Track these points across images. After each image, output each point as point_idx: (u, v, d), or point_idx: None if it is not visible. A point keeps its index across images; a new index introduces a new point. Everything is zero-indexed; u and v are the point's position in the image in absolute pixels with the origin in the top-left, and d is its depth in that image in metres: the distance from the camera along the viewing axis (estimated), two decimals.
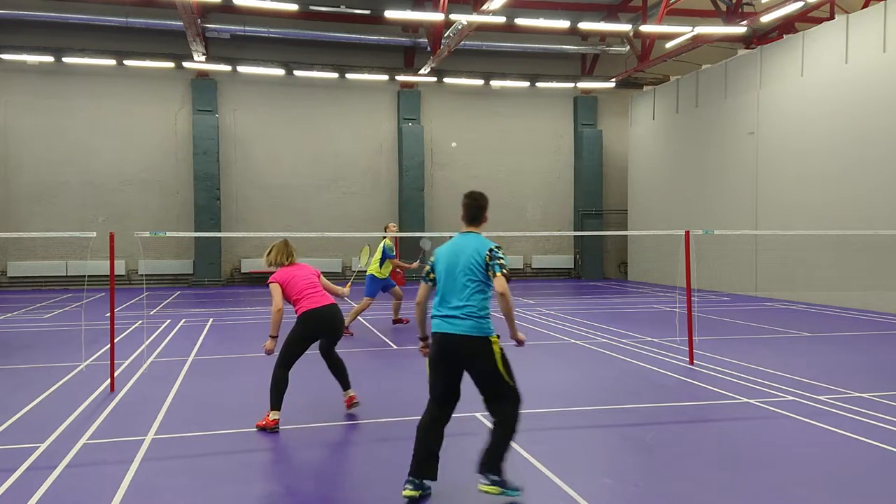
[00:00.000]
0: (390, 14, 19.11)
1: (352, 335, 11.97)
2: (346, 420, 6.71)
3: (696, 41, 20.99)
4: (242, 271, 24.49)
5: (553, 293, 20.40)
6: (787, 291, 17.89)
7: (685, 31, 20.21)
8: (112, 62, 22.57)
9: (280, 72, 23.71)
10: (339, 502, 4.84)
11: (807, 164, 17.61)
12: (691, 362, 9.39)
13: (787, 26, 23.06)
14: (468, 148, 26.50)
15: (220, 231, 23.63)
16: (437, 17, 19.39)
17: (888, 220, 15.08)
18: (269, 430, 6.40)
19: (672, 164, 23.59)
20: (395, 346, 11.19)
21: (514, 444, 5.92)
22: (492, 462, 4.77)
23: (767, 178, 18.96)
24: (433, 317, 4.95)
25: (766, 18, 19.13)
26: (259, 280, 24.63)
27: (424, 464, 4.80)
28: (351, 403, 7.05)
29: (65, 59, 22.31)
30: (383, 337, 12.13)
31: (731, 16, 20.28)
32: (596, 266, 27.09)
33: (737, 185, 20.14)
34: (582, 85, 26.27)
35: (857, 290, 15.97)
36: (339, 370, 7.12)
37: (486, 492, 4.70)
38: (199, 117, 23.79)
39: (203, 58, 21.88)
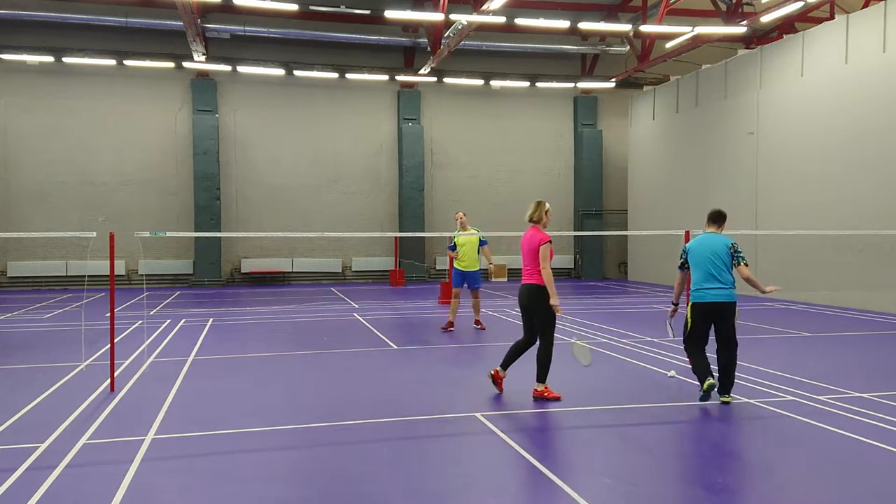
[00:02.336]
0: (390, 14, 19.11)
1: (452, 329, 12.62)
2: (345, 420, 6.71)
3: (696, 41, 20.99)
4: (242, 271, 24.49)
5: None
6: (787, 291, 17.88)
7: (685, 31, 20.21)
8: (112, 62, 22.57)
9: (280, 72, 23.71)
10: (338, 503, 4.84)
11: (807, 163, 17.61)
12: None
13: (787, 26, 23.05)
14: (468, 148, 26.51)
15: (220, 231, 23.63)
16: (437, 17, 19.39)
17: (888, 220, 15.08)
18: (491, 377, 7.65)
19: (672, 164, 23.59)
20: (395, 346, 11.19)
21: (513, 444, 5.94)
22: (728, 385, 7.36)
23: (767, 178, 18.96)
24: (697, 290, 7.37)
25: (766, 18, 19.13)
26: (259, 280, 24.64)
27: (705, 371, 7.27)
28: (535, 396, 7.51)
29: (65, 59, 22.31)
30: (383, 337, 12.13)
31: (731, 16, 20.29)
32: (596, 266, 27.08)
33: (737, 185, 20.14)
34: (582, 85, 26.26)
35: (857, 290, 15.97)
36: (537, 357, 7.52)
37: (726, 402, 7.26)
38: (199, 117, 23.78)
39: (203, 58, 21.88)
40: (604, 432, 6.46)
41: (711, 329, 7.51)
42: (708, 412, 7.11)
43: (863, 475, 5.26)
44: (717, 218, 7.65)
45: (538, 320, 7.48)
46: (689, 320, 7.46)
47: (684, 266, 7.64)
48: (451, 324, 12.72)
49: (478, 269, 12.49)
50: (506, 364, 7.73)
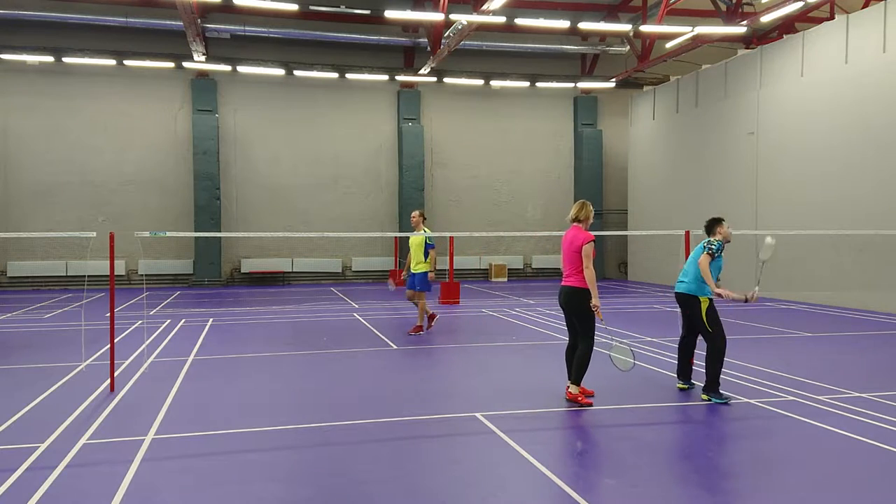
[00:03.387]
0: (390, 14, 19.10)
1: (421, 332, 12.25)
2: (345, 420, 6.71)
3: (696, 41, 20.99)
4: (242, 271, 24.49)
5: (553, 293, 20.37)
6: (787, 291, 17.89)
7: (685, 31, 20.21)
8: (112, 62, 22.57)
9: (280, 72, 23.71)
10: (338, 503, 4.84)
11: (807, 163, 17.62)
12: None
13: (787, 26, 23.06)
14: (468, 148, 26.51)
15: (220, 231, 23.63)
16: (437, 17, 19.39)
17: (888, 220, 15.08)
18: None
19: (672, 164, 23.59)
20: (395, 346, 11.19)
21: (513, 444, 5.95)
22: (707, 382, 7.46)
23: (767, 177, 18.96)
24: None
25: (766, 18, 19.12)
26: (259, 280, 24.63)
27: (680, 373, 8.01)
28: (569, 397, 7.32)
29: (65, 59, 22.31)
30: (383, 337, 12.13)
31: (731, 16, 20.29)
32: (596, 266, 27.00)
33: (737, 185, 20.14)
34: (582, 85, 26.26)
35: (857, 290, 15.98)
36: (573, 360, 7.38)
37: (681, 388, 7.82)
38: (199, 117, 23.79)
39: (203, 58, 21.88)
40: (604, 432, 6.46)
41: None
42: (708, 412, 7.11)
43: (863, 475, 5.26)
44: (706, 227, 7.94)
45: (578, 323, 7.32)
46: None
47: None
48: (432, 317, 12.49)
49: (423, 270, 12.06)
50: (570, 374, 7.48)
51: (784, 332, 12.48)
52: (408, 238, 12.60)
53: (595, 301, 7.22)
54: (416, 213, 12.44)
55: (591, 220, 7.56)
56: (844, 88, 16.51)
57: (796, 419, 6.70)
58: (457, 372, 9.38)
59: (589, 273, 7.24)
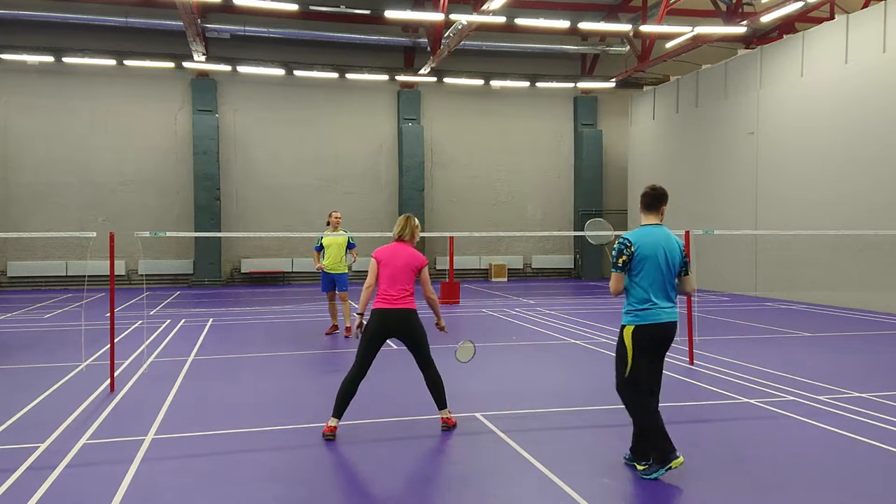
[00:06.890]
0: (390, 14, 19.11)
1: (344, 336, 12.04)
2: (345, 420, 6.70)
3: (696, 41, 20.99)
4: (242, 271, 24.49)
5: (553, 293, 20.38)
6: (787, 291, 17.88)
7: (685, 31, 20.21)
8: (112, 62, 22.57)
9: (280, 72, 23.71)
10: (337, 502, 4.84)
11: (807, 163, 17.62)
12: (691, 362, 9.39)
13: (787, 26, 23.05)
14: (468, 148, 26.51)
15: (220, 231, 23.63)
16: (437, 17, 19.39)
17: (888, 220, 15.08)
18: (325, 436, 6.12)
19: (672, 164, 23.59)
20: (394, 347, 11.18)
21: (513, 444, 5.94)
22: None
23: (767, 177, 18.96)
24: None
25: (766, 18, 19.12)
26: (259, 280, 24.63)
27: (665, 442, 5.12)
28: (443, 424, 6.44)
29: (65, 59, 22.31)
30: None
31: (731, 16, 20.28)
32: (596, 266, 27.07)
33: (737, 184, 20.14)
34: (582, 85, 26.26)
35: (857, 290, 15.97)
36: (431, 386, 6.49)
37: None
38: (199, 117, 23.78)
39: (203, 58, 21.88)
40: (604, 432, 6.46)
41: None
42: (708, 413, 7.11)
43: (862, 475, 5.26)
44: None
45: (424, 347, 6.41)
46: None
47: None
48: (334, 327, 12.36)
49: (345, 271, 11.96)
50: (341, 411, 6.26)
51: (784, 332, 12.48)
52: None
53: (443, 322, 6.67)
54: (339, 213, 12.30)
55: (417, 238, 6.57)
56: (844, 88, 16.51)
57: (796, 419, 6.70)
58: (457, 372, 9.38)
59: (435, 296, 6.57)
